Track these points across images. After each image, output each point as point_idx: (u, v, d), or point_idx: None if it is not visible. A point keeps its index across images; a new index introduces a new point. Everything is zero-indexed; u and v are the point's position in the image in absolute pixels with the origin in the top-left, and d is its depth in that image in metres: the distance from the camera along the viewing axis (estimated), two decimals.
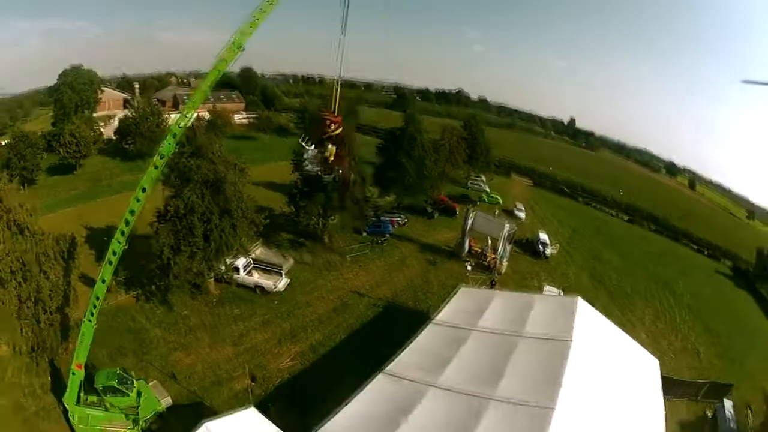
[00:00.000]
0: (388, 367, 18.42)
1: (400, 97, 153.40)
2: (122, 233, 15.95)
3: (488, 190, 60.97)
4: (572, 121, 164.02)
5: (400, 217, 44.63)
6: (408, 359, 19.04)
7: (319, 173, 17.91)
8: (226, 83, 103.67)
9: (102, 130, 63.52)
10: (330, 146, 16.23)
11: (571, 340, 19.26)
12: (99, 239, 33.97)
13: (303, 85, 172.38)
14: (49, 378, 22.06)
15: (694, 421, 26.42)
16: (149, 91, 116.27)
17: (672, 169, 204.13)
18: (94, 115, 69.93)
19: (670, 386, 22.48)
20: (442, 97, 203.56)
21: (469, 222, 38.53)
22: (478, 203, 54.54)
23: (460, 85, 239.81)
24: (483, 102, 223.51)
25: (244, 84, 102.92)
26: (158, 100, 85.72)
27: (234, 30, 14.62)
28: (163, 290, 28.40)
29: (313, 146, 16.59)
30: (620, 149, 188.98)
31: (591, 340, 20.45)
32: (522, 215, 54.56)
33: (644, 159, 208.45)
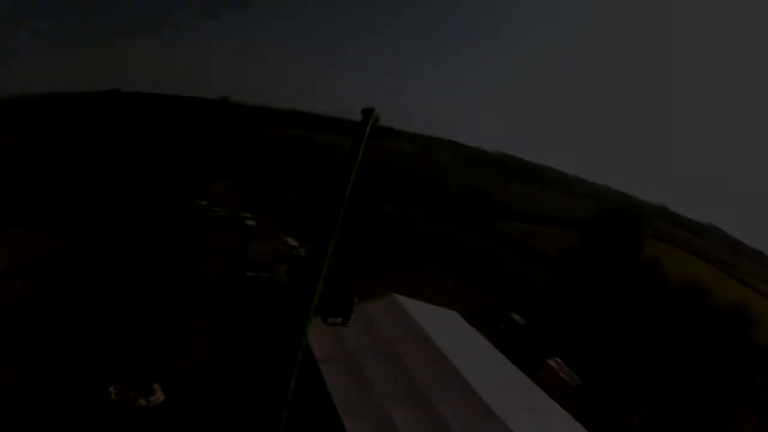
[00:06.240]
0: (343, 413, 18.00)
1: None
2: None
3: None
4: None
5: None
6: (345, 400, 18.70)
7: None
8: None
9: None
10: None
11: (431, 336, 22.85)
12: None
13: None
14: None
15: None
16: None
17: None
18: None
19: None
20: None
21: (250, 253, 36.68)
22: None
23: None
24: None
25: None
26: None
27: None
28: None
29: None
30: None
31: (427, 321, 24.82)
32: (252, 222, 53.44)
33: None
